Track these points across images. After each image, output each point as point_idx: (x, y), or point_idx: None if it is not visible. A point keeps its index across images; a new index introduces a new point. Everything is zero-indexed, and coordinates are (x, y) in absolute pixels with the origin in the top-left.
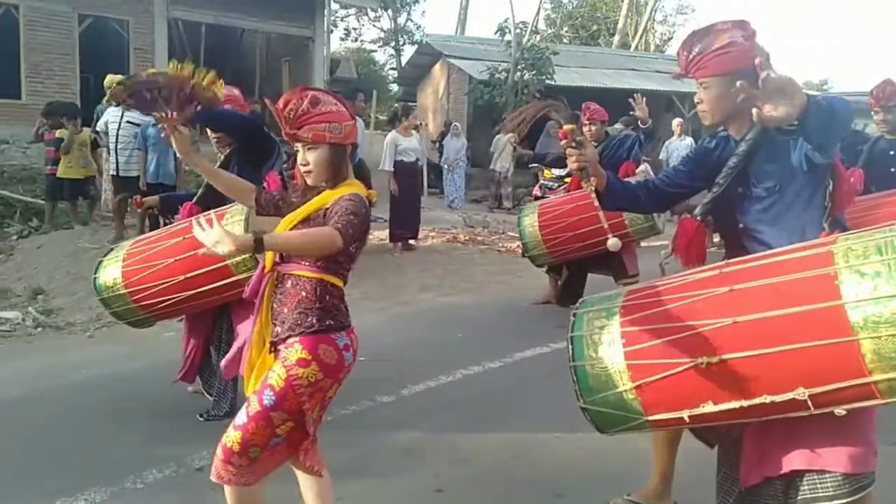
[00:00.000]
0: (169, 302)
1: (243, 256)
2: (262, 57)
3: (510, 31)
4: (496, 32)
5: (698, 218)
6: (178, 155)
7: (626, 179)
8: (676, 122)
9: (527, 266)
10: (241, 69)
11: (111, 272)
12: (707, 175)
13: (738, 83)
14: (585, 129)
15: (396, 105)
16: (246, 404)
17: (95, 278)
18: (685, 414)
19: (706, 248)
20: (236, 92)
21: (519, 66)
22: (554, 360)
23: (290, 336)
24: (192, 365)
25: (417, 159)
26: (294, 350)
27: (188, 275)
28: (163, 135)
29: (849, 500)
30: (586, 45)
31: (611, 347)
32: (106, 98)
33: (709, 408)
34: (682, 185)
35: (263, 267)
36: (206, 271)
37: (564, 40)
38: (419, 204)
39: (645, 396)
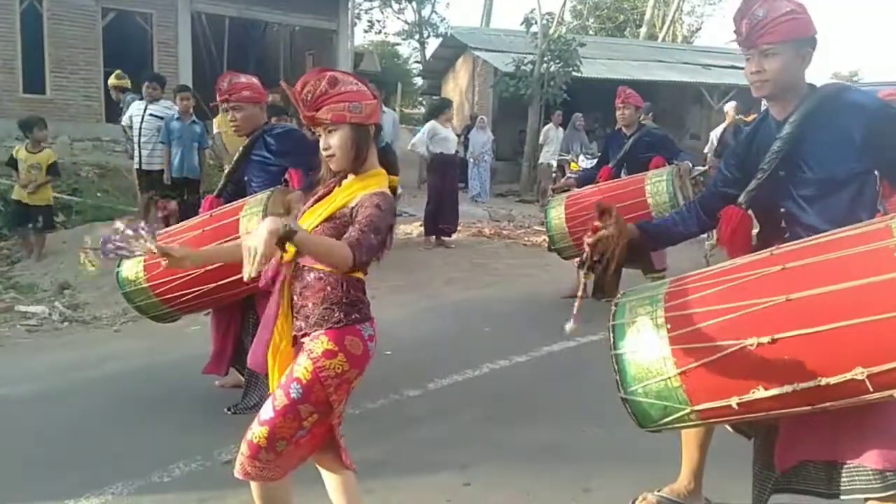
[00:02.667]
0: (191, 295)
1: None
2: (285, 50)
3: (536, 23)
4: (522, 24)
5: (743, 206)
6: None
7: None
8: (731, 107)
9: (554, 259)
10: (265, 63)
11: (133, 266)
12: (744, 165)
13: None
14: (619, 112)
15: (427, 97)
16: (271, 399)
17: (118, 272)
18: (734, 401)
19: (752, 237)
20: (255, 80)
21: (545, 58)
22: (582, 354)
23: (315, 330)
24: (223, 358)
25: (456, 151)
26: (320, 342)
27: (208, 267)
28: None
29: (880, 495)
30: (613, 37)
31: (654, 333)
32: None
33: (759, 393)
34: (724, 191)
35: (280, 257)
36: (225, 264)
37: (591, 32)
38: (457, 196)
39: (690, 383)
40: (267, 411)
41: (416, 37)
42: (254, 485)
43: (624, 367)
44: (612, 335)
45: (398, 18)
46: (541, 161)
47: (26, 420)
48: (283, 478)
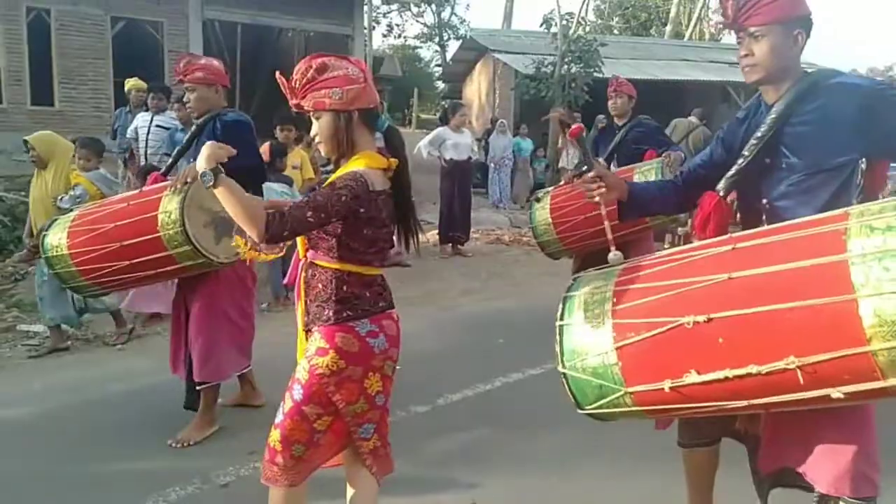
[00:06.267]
0: (106, 270)
1: (176, 230)
2: (300, 56)
3: (556, 23)
4: (541, 25)
5: (721, 193)
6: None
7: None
8: None
9: None
10: (279, 69)
11: (59, 231)
12: (731, 147)
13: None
14: (611, 102)
15: (443, 102)
16: (282, 401)
17: (45, 236)
18: (667, 384)
19: (728, 226)
20: (215, 63)
21: (566, 60)
22: None
23: (313, 326)
24: (178, 357)
25: (470, 157)
26: (314, 340)
27: (123, 243)
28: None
29: None
30: (638, 36)
31: (600, 307)
32: (129, 108)
33: (692, 378)
34: (703, 173)
35: (299, 252)
36: (139, 241)
37: (615, 31)
38: (470, 203)
39: (627, 361)
40: (279, 414)
41: (436, 40)
42: (271, 490)
43: (565, 340)
44: (561, 307)
45: (417, 21)
46: (562, 164)
47: (25, 442)
48: (303, 482)
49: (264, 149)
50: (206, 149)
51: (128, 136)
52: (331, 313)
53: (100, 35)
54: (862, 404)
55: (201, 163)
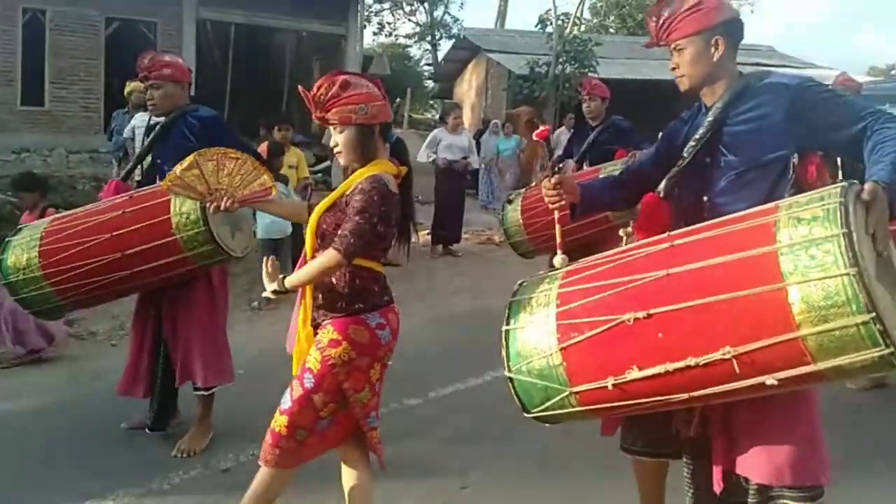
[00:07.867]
0: (97, 283)
1: (197, 230)
2: (292, 56)
3: (552, 23)
4: (537, 24)
5: (661, 194)
6: None
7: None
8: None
9: None
10: (272, 69)
11: (24, 252)
12: (674, 148)
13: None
14: (585, 105)
15: (431, 102)
16: (290, 388)
17: (2, 259)
18: (609, 382)
19: (669, 226)
20: (179, 61)
21: (560, 59)
22: None
23: (324, 319)
24: (138, 375)
25: (465, 157)
26: (326, 332)
27: (127, 251)
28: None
29: None
30: (634, 35)
31: (545, 309)
32: (127, 109)
33: (634, 374)
34: (647, 170)
35: (305, 254)
36: (151, 246)
37: (611, 30)
38: (462, 203)
39: (571, 361)
40: (286, 401)
41: (428, 39)
42: (262, 469)
43: (511, 344)
44: (507, 311)
45: (409, 20)
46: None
47: (27, 434)
48: (299, 466)
49: (262, 148)
50: (267, 279)
51: (125, 135)
52: (343, 304)
53: (94, 36)
54: (802, 396)
55: (269, 286)
